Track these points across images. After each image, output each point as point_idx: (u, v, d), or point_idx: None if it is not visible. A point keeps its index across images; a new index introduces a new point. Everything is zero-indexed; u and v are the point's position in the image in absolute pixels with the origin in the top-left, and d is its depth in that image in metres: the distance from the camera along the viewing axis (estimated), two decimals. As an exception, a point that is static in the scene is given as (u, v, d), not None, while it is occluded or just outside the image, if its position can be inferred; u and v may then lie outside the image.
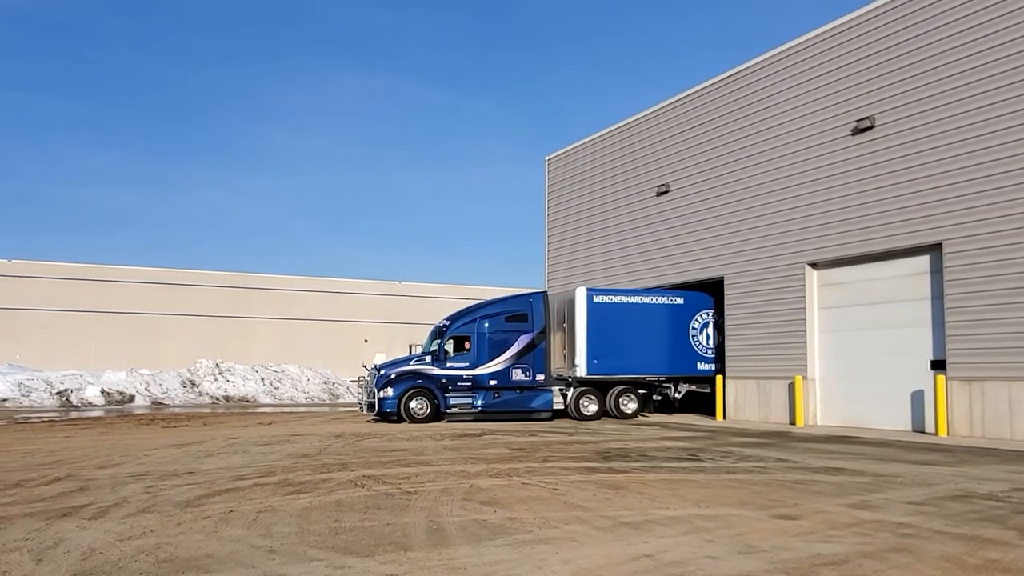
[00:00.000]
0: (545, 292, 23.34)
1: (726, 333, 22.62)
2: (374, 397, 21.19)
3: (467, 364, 21.62)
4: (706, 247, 23.31)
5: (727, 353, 22.52)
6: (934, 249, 17.34)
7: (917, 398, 17.56)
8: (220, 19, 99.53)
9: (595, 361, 22.16)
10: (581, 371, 22.14)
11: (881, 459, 12.46)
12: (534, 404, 22.00)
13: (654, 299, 23.19)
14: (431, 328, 23.19)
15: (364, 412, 22.35)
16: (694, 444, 14.94)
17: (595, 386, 22.55)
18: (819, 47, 20.02)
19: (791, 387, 20.07)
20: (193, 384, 36.14)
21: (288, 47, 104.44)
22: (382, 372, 21.59)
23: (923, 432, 17.13)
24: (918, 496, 8.77)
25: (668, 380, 23.31)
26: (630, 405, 22.61)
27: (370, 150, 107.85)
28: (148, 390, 34.42)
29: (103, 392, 32.76)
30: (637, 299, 23.05)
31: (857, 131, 18.91)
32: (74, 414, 26.86)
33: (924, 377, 17.37)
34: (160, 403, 33.54)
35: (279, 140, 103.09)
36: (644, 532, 6.84)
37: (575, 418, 22.13)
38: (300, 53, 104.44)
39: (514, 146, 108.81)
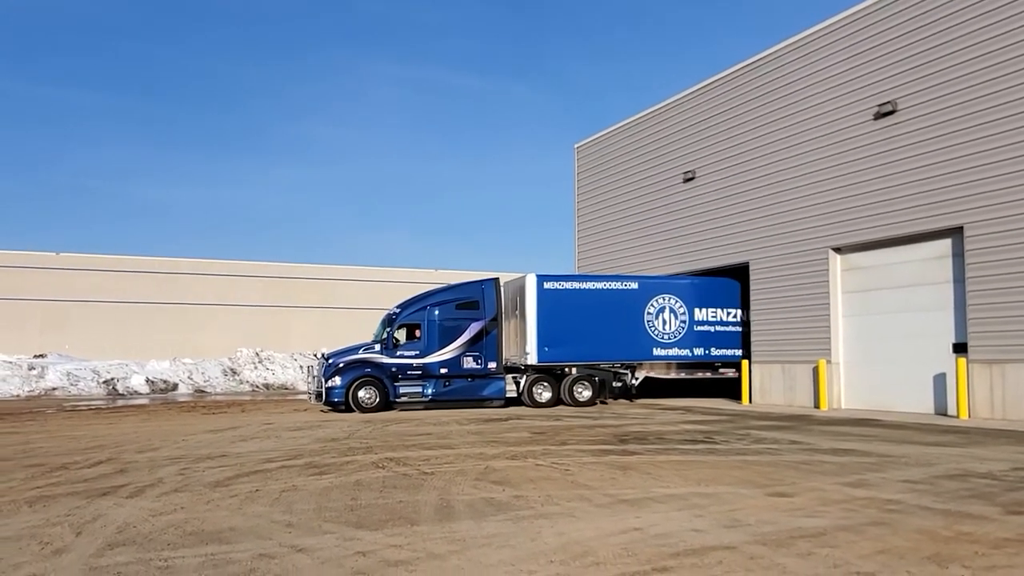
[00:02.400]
0: (497, 279, 22.74)
1: (752, 318, 22.79)
2: (322, 387, 20.84)
3: (417, 352, 21.27)
4: (731, 233, 23.47)
5: (752, 338, 22.70)
6: (955, 232, 17.37)
7: (940, 381, 17.65)
8: (255, 11, 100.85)
9: (546, 348, 21.94)
10: (532, 359, 21.90)
11: (893, 441, 12.67)
12: (486, 392, 21.76)
13: (607, 285, 22.94)
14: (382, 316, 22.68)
15: (312, 402, 22.06)
16: (713, 427, 15.25)
17: (549, 373, 22.30)
18: (841, 32, 20.03)
19: (815, 371, 20.22)
20: (234, 372, 37.13)
21: (321, 38, 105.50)
22: (330, 361, 21.22)
23: (946, 415, 17.21)
24: (916, 475, 9.03)
25: (624, 367, 23.03)
26: (584, 393, 22.27)
27: (405, 139, 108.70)
28: (191, 378, 35.47)
29: (148, 381, 33.86)
30: (589, 285, 22.84)
31: (879, 116, 18.94)
32: (120, 402, 27.88)
33: (946, 360, 17.44)
34: (202, 391, 34.56)
35: (315, 131, 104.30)
36: (640, 508, 7.23)
37: (529, 406, 21.80)
38: (333, 44, 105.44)
39: (548, 132, 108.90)
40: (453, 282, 24.23)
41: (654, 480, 8.82)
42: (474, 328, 21.68)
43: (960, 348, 17.18)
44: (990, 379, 16.35)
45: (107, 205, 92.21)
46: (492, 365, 21.80)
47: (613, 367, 23.13)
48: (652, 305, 23.08)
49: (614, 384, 23.47)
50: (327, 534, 6.32)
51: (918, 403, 18.03)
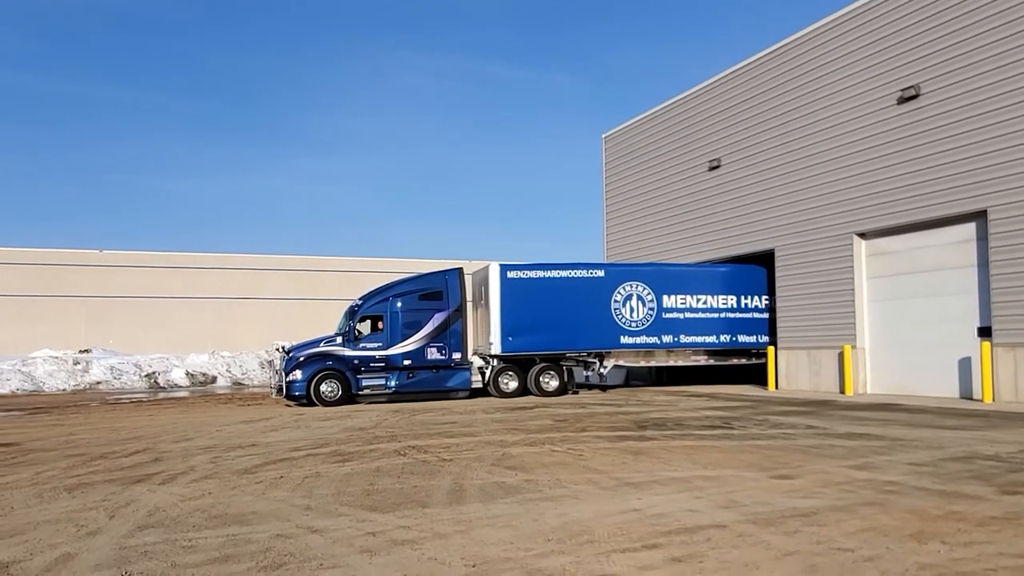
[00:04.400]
0: (460, 269, 22.31)
1: (777, 304, 22.84)
2: (283, 380, 20.63)
3: (380, 344, 21.00)
4: (757, 220, 23.52)
5: (778, 324, 22.77)
6: (979, 216, 17.32)
7: (965, 365, 17.63)
8: (288, 2, 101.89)
9: (510, 338, 21.80)
10: (496, 348, 21.80)
11: (911, 425, 12.77)
12: (450, 383, 21.48)
13: (572, 273, 22.61)
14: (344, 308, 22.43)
15: (274, 396, 21.83)
16: (734, 413, 15.43)
17: (515, 363, 22.13)
18: (865, 17, 19.96)
19: (840, 357, 20.26)
20: (271, 364, 37.86)
21: (348, 27, 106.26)
22: (291, 355, 20.90)
23: (971, 399, 17.21)
24: (923, 458, 9.19)
25: (592, 355, 22.74)
26: (551, 383, 22.08)
27: (434, 128, 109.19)
28: (229, 371, 36.33)
29: (187, 374, 34.76)
30: (554, 274, 22.48)
31: (903, 100, 18.88)
32: (161, 395, 28.72)
33: (971, 344, 17.41)
34: (240, 383, 35.38)
35: (344, 121, 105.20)
36: (643, 491, 7.51)
37: (495, 396, 21.69)
38: (361, 33, 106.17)
39: (581, 119, 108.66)
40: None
41: (663, 464, 9.08)
42: (438, 319, 21.39)
43: (985, 332, 17.15)
44: (1014, 363, 16.32)
45: (139, 200, 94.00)
46: (457, 356, 21.54)
47: (579, 355, 22.79)
48: (619, 292, 22.80)
49: (585, 374, 23.15)
50: (342, 516, 6.70)
51: (943, 387, 18.03)
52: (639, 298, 22.90)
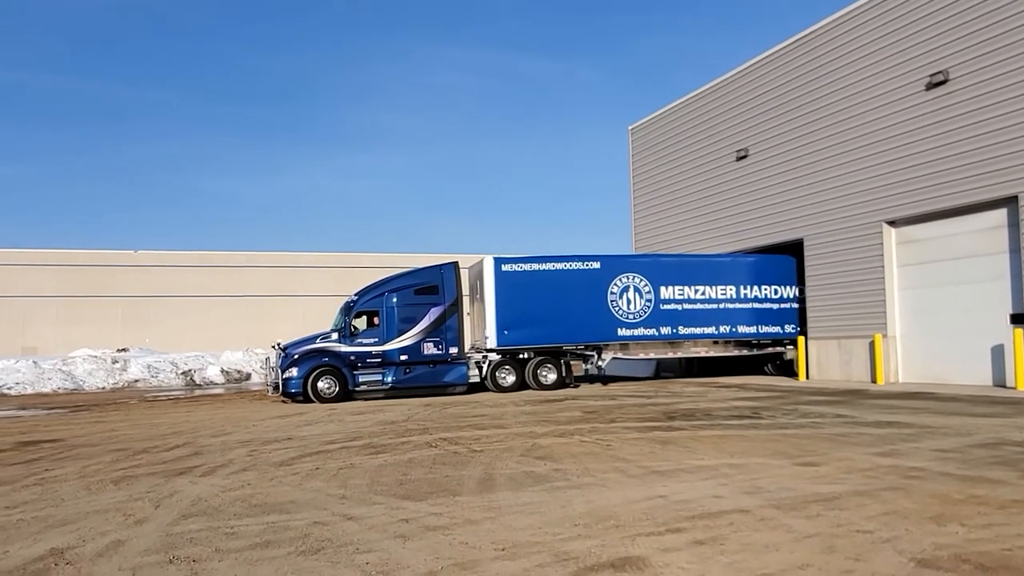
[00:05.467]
0: (456, 262, 22.00)
1: (807, 294, 22.79)
2: (279, 378, 20.50)
3: (376, 340, 20.85)
4: (785, 209, 23.46)
5: (808, 314, 22.73)
6: (1010, 202, 17.19)
7: (997, 353, 17.52)
8: (319, 2, 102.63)
9: (505, 332, 21.67)
10: (491, 342, 21.65)
11: (941, 413, 12.77)
12: (447, 378, 21.29)
13: (567, 265, 22.32)
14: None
15: (270, 393, 21.65)
16: (763, 403, 15.49)
17: (512, 357, 22.02)
18: (891, 2, 19.84)
19: (871, 346, 20.20)
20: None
21: (381, 23, 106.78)
22: (287, 351, 20.77)
23: (1004, 387, 17.10)
24: (950, 444, 9.24)
25: (589, 348, 22.55)
26: (549, 376, 21.95)
27: (466, 123, 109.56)
28: (263, 368, 36.83)
29: (223, 371, 35.35)
30: (549, 266, 22.22)
31: (931, 86, 18.77)
32: (197, 392, 29.27)
33: (1004, 331, 17.30)
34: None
35: (378, 119, 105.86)
36: (669, 478, 7.66)
37: (493, 391, 21.56)
38: (395, 30, 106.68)
39: (612, 110, 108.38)
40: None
41: (690, 453, 9.22)
42: (434, 313, 21.25)
43: (1018, 319, 17.03)
44: (1047, 349, 16.19)
45: (175, 200, 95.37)
46: (453, 350, 21.37)
47: (576, 348, 22.62)
48: (616, 284, 22.53)
49: (584, 367, 22.98)
50: (376, 505, 6.93)
51: (976, 375, 17.93)
52: (636, 289, 22.63)
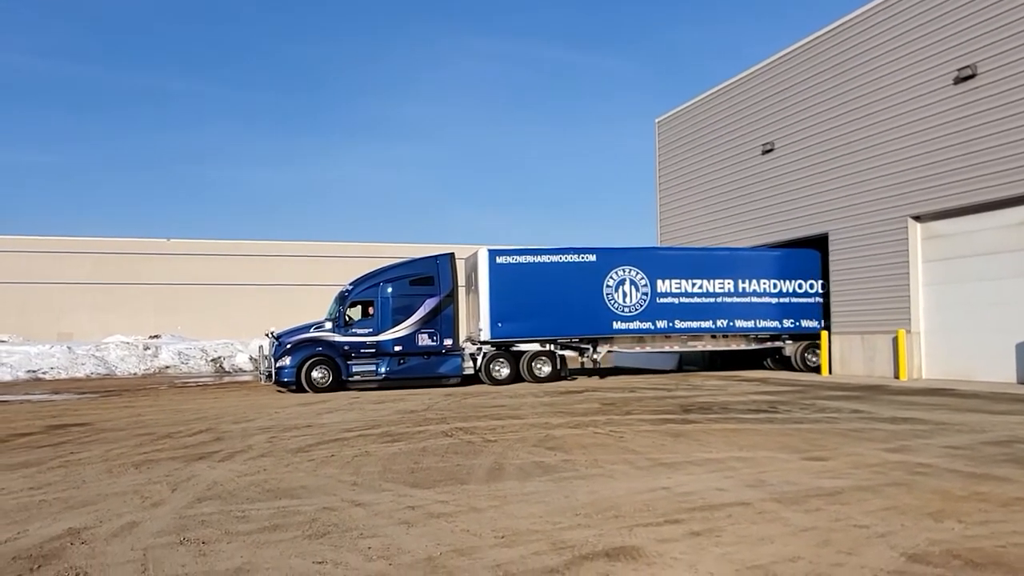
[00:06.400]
0: (452, 253, 21.98)
1: (831, 288, 22.64)
2: (272, 366, 20.50)
3: (370, 330, 20.73)
4: (811, 204, 23.31)
5: (832, 308, 22.59)
6: (1038, 198, 16.98)
7: (1022, 350, 17.33)
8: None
9: (499, 324, 21.49)
10: (485, 335, 21.53)
11: (960, 410, 12.70)
12: (442, 370, 21.15)
13: (562, 258, 22.10)
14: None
15: (263, 383, 21.54)
16: (782, 398, 15.48)
17: (507, 349, 21.89)
18: (919, -5, 19.63)
19: (895, 341, 20.05)
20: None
21: (406, 13, 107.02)
22: (280, 340, 20.74)
23: (1029, 384, 16.94)
24: (962, 441, 9.23)
25: (584, 341, 22.31)
26: (544, 368, 21.79)
27: (493, 113, 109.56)
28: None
29: (251, 359, 35.78)
30: (544, 259, 22.00)
31: (959, 80, 18.54)
32: (225, 379, 29.74)
33: (1029, 328, 17.11)
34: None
35: (405, 109, 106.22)
36: (675, 471, 7.75)
37: (487, 383, 21.42)
38: (424, 19, 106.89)
39: (639, 101, 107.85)
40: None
41: (700, 446, 9.29)
42: (429, 304, 21.11)
43: (1043, 316, 16.83)
44: (1073, 347, 16.00)
45: (205, 188, 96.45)
46: (448, 342, 21.30)
47: (571, 341, 22.41)
48: (612, 277, 22.26)
49: (580, 360, 22.79)
50: (385, 492, 7.09)
51: (1000, 372, 17.75)
52: (632, 283, 22.35)
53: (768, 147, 25.13)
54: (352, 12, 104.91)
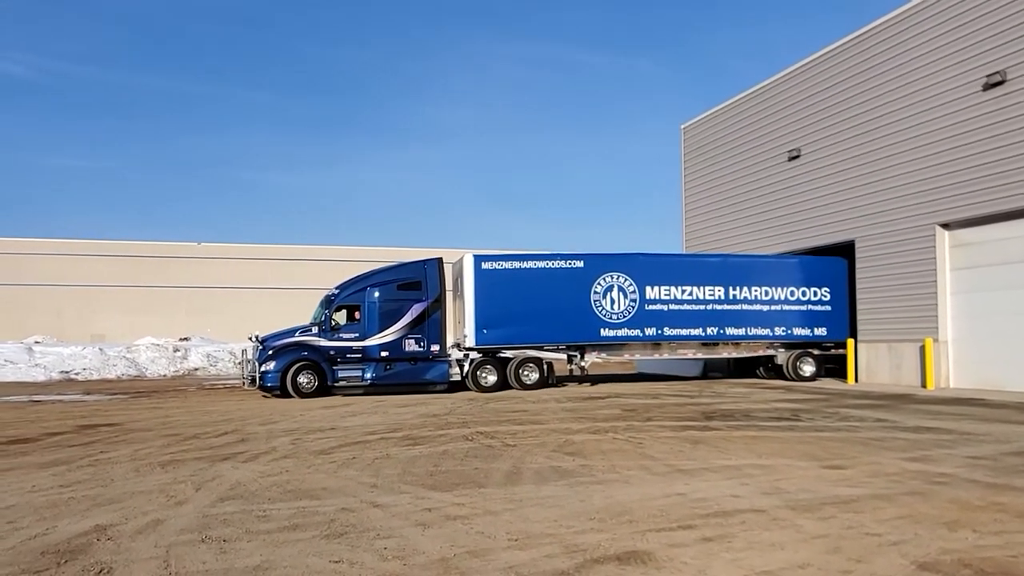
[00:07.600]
0: (440, 258, 21.54)
1: (858, 296, 22.46)
2: (256, 371, 20.17)
3: (357, 335, 20.37)
4: (837, 211, 23.16)
5: (859, 317, 22.41)
6: (1069, 206, 16.77)
7: (1052, 360, 17.13)
8: None
9: (485, 331, 21.15)
10: (470, 341, 21.16)
11: (985, 420, 12.59)
12: (428, 376, 20.80)
13: (549, 264, 21.74)
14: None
15: (247, 387, 21.24)
16: (805, 406, 15.41)
17: (494, 356, 21.56)
18: (947, 2, 19.46)
19: (922, 350, 19.87)
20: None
21: (437, 16, 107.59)
22: (265, 344, 20.40)
23: (1058, 394, 16.71)
24: (985, 451, 9.16)
25: (572, 348, 22.01)
26: (531, 375, 21.38)
27: (522, 117, 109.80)
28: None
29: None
30: (530, 264, 21.64)
31: (988, 86, 18.37)
32: (253, 381, 30.03)
33: (1059, 338, 16.90)
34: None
35: (433, 112, 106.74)
36: (692, 477, 7.78)
37: (473, 389, 21.03)
38: (454, 22, 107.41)
39: (671, 105, 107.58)
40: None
41: (719, 453, 9.31)
42: (416, 309, 20.76)
43: (1073, 325, 16.61)
44: (1104, 357, 15.78)
45: (234, 192, 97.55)
46: (435, 348, 20.92)
47: (558, 348, 22.14)
48: (599, 284, 21.92)
49: (569, 367, 22.47)
50: (403, 494, 7.20)
51: (1030, 382, 17.53)
52: (620, 289, 21.99)
53: (794, 154, 25.00)
54: (381, 15, 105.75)
